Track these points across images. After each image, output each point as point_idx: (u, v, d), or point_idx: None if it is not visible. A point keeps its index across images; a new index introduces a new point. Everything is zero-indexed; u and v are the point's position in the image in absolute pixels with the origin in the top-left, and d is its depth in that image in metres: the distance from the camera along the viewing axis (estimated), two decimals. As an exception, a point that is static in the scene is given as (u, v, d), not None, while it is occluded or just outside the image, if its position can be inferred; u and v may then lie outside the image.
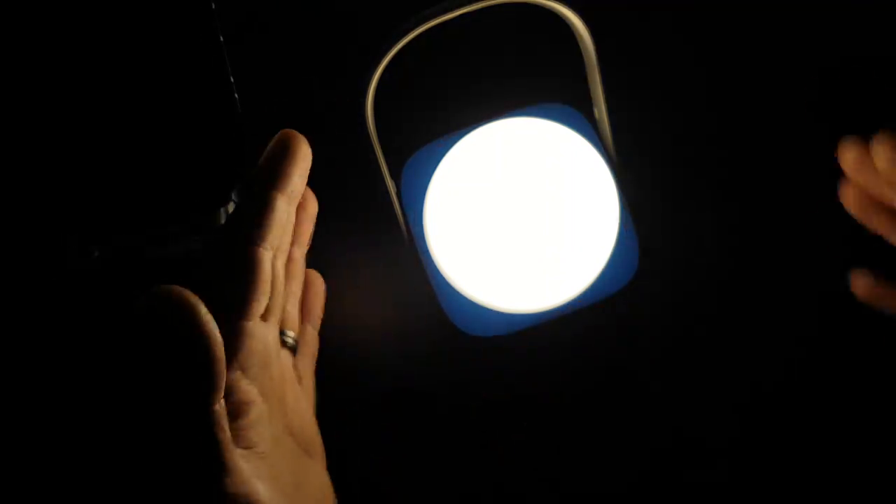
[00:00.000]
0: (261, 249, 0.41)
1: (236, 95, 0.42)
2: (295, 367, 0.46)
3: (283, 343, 0.45)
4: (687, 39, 0.55)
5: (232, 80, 0.42)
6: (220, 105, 0.42)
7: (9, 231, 0.39)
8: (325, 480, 0.45)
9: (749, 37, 0.57)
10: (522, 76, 0.58)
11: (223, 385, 0.36)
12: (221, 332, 0.36)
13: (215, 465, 0.36)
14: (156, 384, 0.36)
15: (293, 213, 0.43)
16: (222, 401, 0.36)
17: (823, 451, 0.58)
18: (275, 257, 0.42)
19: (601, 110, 0.55)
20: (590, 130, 0.55)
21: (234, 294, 0.40)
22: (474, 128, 0.53)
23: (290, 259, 0.46)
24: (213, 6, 0.42)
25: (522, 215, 0.53)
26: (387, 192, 0.53)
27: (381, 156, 0.52)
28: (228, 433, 0.37)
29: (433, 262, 0.53)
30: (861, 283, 0.53)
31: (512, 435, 0.57)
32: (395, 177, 0.55)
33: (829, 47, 0.57)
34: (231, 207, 0.43)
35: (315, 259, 0.51)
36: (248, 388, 0.39)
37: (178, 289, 0.36)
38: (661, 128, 0.58)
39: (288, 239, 0.45)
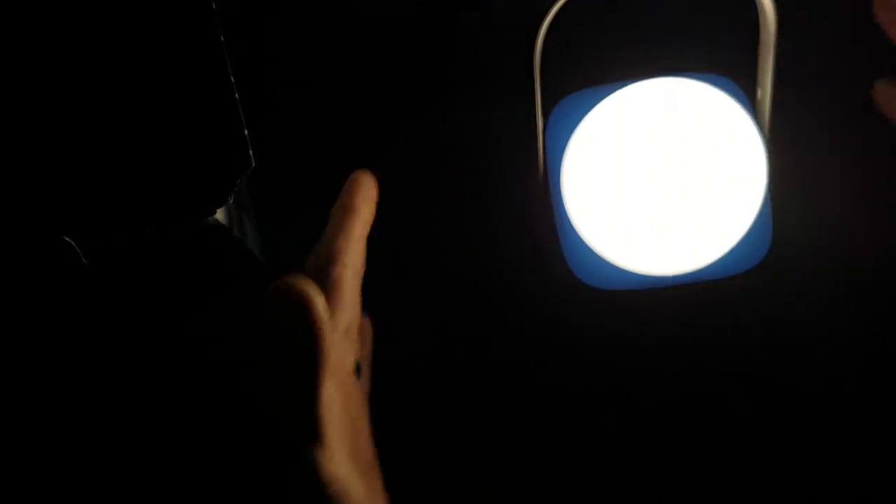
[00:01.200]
0: (343, 268, 0.44)
1: (237, 95, 0.42)
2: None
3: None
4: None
5: (232, 79, 0.42)
6: (219, 104, 0.42)
7: (8, 231, 0.41)
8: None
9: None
10: (690, 41, 0.57)
11: (330, 370, 0.41)
12: None
13: (317, 438, 0.40)
14: (283, 362, 0.40)
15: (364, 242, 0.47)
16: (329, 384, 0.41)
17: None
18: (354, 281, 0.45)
19: (765, 92, 0.52)
20: (748, 108, 0.52)
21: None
22: (630, 82, 0.51)
23: None
24: (214, 6, 0.42)
25: (664, 178, 0.51)
26: (534, 131, 0.53)
27: (539, 94, 0.52)
28: (332, 411, 0.41)
29: (564, 207, 0.52)
30: (881, 91, 0.51)
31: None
32: (544, 115, 0.54)
33: None
34: (230, 207, 0.44)
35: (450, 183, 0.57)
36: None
37: (302, 283, 0.40)
38: (820, 122, 0.58)
39: (363, 265, 0.47)
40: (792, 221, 0.55)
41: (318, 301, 0.40)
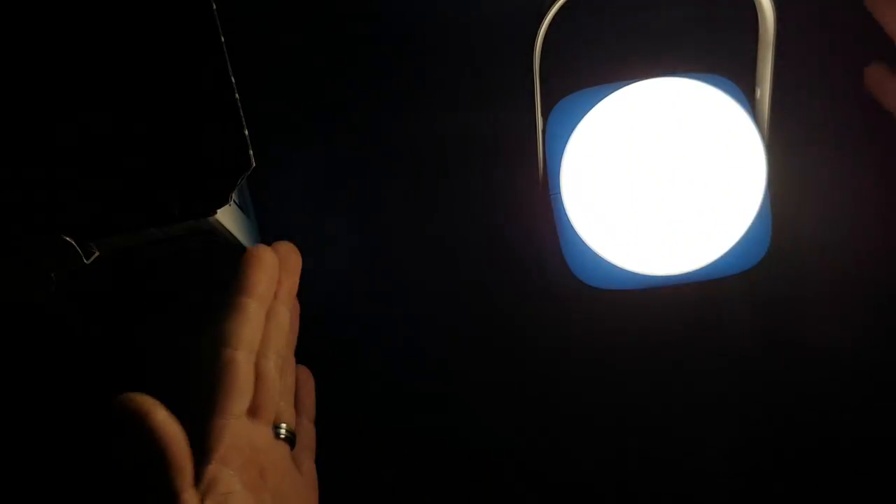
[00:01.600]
0: (233, 351, 0.43)
1: (237, 96, 0.42)
2: (294, 458, 0.48)
3: (278, 436, 0.47)
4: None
5: (233, 80, 0.42)
6: (220, 105, 0.42)
7: (9, 231, 0.41)
8: None
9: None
10: (689, 41, 0.58)
11: (189, 476, 0.40)
12: (201, 429, 0.41)
13: None
14: (129, 479, 0.40)
15: (283, 313, 0.47)
16: (192, 489, 0.40)
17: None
18: (263, 357, 0.45)
19: (764, 92, 0.52)
20: (747, 108, 0.52)
21: (211, 395, 0.43)
22: (630, 82, 0.51)
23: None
24: (214, 6, 0.42)
25: (663, 177, 0.51)
26: (535, 131, 0.53)
27: (539, 94, 0.52)
28: None
29: (562, 205, 0.53)
30: (872, 75, 0.52)
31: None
32: (544, 115, 0.55)
33: None
34: (231, 207, 0.44)
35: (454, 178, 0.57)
36: (229, 480, 0.42)
37: (133, 398, 0.40)
38: (819, 122, 0.58)
39: (273, 339, 0.46)
40: (791, 221, 0.55)
41: (157, 413, 0.40)
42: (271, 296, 0.46)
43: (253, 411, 0.44)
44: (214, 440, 0.42)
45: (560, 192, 0.52)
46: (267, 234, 0.57)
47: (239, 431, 0.43)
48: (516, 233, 0.58)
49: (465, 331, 0.58)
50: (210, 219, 0.42)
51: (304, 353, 0.57)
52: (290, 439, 0.48)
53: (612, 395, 0.57)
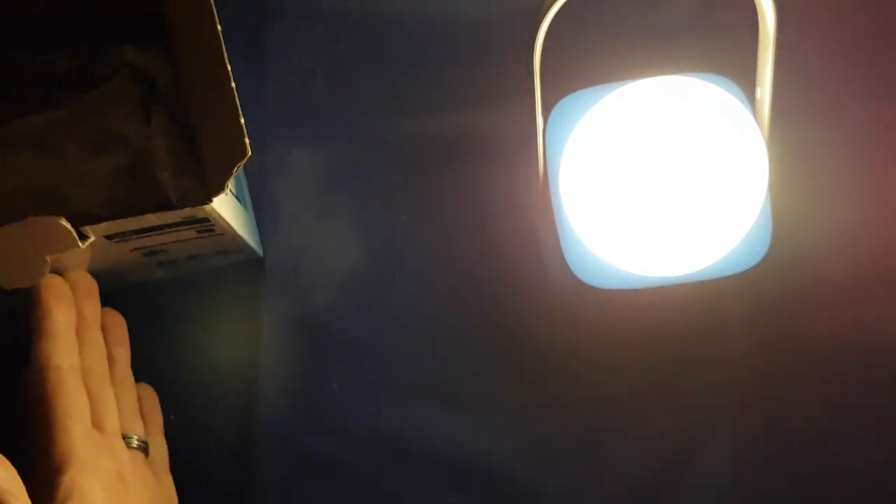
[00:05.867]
0: (55, 371, 0.44)
1: (234, 84, 0.42)
2: (150, 466, 0.49)
3: (129, 446, 0.48)
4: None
5: (230, 69, 0.43)
6: (217, 95, 0.42)
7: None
8: None
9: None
10: (690, 41, 0.59)
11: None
12: (47, 449, 0.42)
13: None
14: None
15: (94, 333, 0.47)
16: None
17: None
18: (88, 376, 0.46)
19: (764, 91, 0.52)
20: (747, 108, 0.52)
21: (48, 416, 0.43)
22: (630, 81, 0.51)
23: (113, 365, 0.49)
24: (213, 2, 0.42)
25: (663, 177, 0.51)
26: (535, 131, 0.53)
27: (539, 94, 0.51)
28: None
29: (561, 205, 0.52)
30: None
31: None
32: (544, 115, 0.54)
33: None
34: (227, 197, 0.44)
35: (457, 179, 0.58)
36: (88, 487, 0.42)
37: None
38: (820, 122, 0.58)
39: (93, 359, 0.47)
40: (791, 221, 0.55)
41: None
42: (73, 319, 0.46)
43: (96, 425, 0.45)
44: (63, 453, 0.42)
45: (560, 192, 0.52)
46: (266, 233, 0.57)
47: (87, 441, 0.43)
48: (516, 233, 0.58)
49: (465, 331, 0.57)
50: (206, 207, 0.42)
51: (305, 352, 0.57)
52: (143, 448, 0.49)
53: (612, 395, 0.57)
